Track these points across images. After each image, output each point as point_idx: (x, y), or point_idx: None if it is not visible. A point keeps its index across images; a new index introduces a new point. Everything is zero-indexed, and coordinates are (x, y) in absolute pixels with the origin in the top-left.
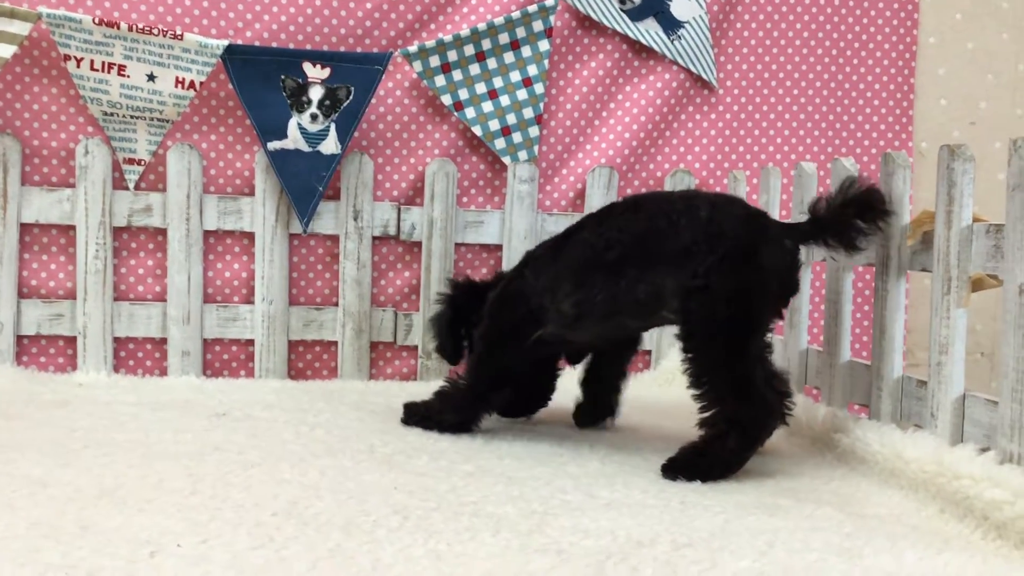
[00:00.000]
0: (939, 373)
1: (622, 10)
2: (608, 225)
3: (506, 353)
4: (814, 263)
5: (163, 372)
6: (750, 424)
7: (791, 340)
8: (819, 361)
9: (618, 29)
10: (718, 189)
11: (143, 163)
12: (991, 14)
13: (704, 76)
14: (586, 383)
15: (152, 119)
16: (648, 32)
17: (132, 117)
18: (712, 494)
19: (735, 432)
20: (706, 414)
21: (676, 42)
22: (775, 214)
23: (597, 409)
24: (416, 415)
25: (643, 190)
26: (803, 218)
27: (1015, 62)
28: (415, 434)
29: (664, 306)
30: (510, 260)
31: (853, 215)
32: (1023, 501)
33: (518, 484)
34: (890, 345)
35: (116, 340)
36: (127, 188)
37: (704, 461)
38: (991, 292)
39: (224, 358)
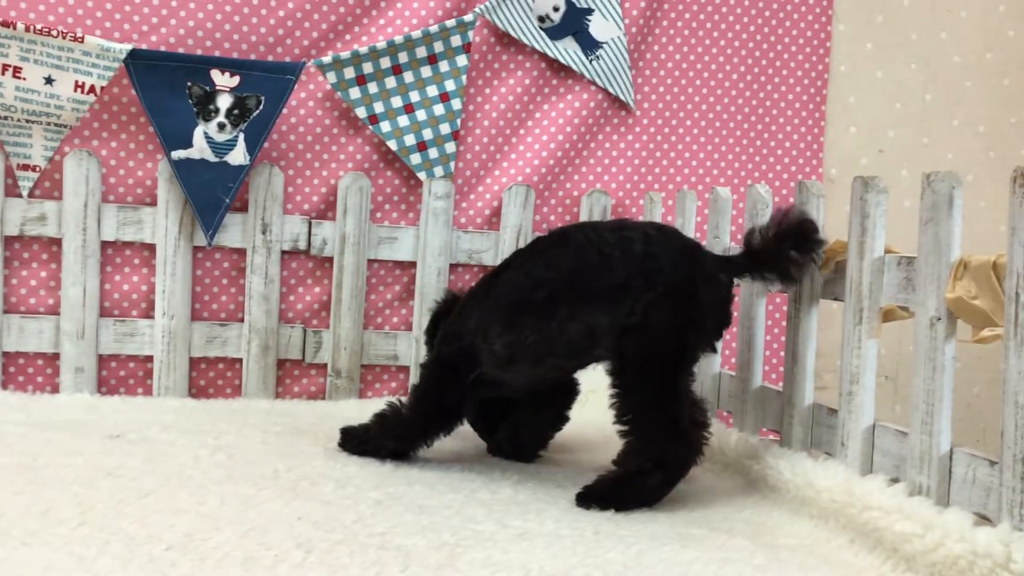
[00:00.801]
0: (850, 402)
1: (541, 28)
2: (536, 263)
3: (446, 392)
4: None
5: (55, 389)
6: (674, 463)
7: (704, 363)
8: (732, 385)
9: (537, 47)
10: (634, 210)
11: (38, 169)
12: (900, 45)
13: (622, 97)
14: (516, 417)
15: (49, 124)
16: (567, 51)
17: (28, 121)
18: (626, 523)
19: (660, 471)
20: (631, 448)
21: (594, 62)
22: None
23: (509, 448)
24: (353, 440)
25: (559, 209)
26: (717, 243)
27: (922, 92)
28: (322, 458)
29: (599, 345)
30: (424, 277)
31: (788, 247)
32: (932, 534)
33: (428, 513)
34: (802, 373)
35: (5, 355)
36: (20, 195)
37: (621, 492)
38: None
39: (121, 375)
